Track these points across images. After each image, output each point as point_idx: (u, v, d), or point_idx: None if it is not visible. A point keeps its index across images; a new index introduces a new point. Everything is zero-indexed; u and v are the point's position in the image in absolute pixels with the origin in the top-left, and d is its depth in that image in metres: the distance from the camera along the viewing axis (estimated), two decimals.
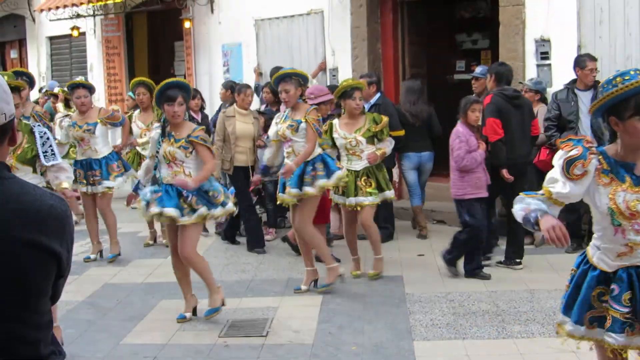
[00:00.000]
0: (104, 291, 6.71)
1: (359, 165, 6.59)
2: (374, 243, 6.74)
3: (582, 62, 7.30)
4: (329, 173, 6.18)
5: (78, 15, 13.21)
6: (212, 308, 5.69)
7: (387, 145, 6.72)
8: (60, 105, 10.70)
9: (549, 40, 8.28)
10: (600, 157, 3.04)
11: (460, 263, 6.67)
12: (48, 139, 5.23)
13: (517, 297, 6.00)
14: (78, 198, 7.12)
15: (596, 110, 3.04)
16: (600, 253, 3.14)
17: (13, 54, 16.85)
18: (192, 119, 7.78)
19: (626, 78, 2.90)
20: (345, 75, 9.63)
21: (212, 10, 11.80)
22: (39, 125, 5.47)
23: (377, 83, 8.17)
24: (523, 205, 3.15)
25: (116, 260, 7.70)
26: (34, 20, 15.23)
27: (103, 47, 13.57)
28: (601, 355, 3.23)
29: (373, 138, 6.61)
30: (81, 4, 12.53)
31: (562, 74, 7.89)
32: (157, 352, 5.13)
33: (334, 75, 10.22)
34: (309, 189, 6.12)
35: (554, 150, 7.11)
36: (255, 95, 8.92)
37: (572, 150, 3.06)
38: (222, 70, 11.79)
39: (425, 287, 6.39)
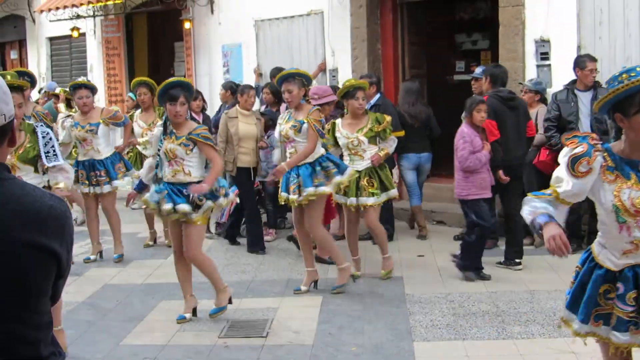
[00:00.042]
0: (103, 292, 6.71)
1: (361, 165, 6.57)
2: (381, 243, 6.72)
3: (582, 62, 7.29)
4: (340, 170, 6.19)
5: (78, 16, 13.22)
6: (218, 307, 5.69)
7: (391, 145, 6.71)
8: (61, 106, 10.69)
9: (548, 41, 8.29)
10: (605, 154, 3.04)
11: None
12: (50, 139, 5.21)
13: (517, 298, 5.99)
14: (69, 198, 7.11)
15: (602, 107, 3.03)
16: (606, 251, 3.14)
17: (13, 55, 16.86)
18: (193, 120, 7.77)
19: (632, 74, 2.90)
20: (345, 75, 9.62)
21: (212, 11, 11.81)
22: (41, 125, 5.45)
23: (377, 84, 8.16)
24: (530, 209, 3.16)
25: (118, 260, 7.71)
26: (34, 21, 15.24)
27: (103, 48, 13.58)
28: (605, 353, 3.23)
29: (375, 138, 6.59)
30: (81, 4, 12.53)
31: (561, 75, 7.90)
32: (157, 352, 5.13)
33: (333, 76, 10.22)
34: (324, 188, 6.10)
35: (553, 150, 7.11)
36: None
37: (577, 147, 3.05)
38: (222, 71, 11.79)
39: (425, 287, 6.39)
